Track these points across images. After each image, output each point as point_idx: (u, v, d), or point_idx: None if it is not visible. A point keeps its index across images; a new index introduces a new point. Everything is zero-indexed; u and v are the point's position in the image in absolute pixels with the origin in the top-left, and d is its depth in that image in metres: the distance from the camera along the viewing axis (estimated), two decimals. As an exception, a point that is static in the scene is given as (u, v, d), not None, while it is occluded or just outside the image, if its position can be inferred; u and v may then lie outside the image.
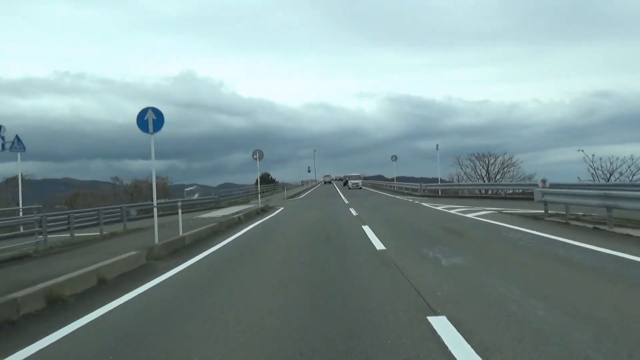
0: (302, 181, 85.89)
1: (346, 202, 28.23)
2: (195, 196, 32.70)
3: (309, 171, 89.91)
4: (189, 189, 36.83)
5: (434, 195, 30.27)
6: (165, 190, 38.99)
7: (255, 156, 26.13)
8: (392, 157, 48.32)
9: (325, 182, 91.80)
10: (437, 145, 31.58)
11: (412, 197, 30.87)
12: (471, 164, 39.95)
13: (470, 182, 35.13)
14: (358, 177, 59.87)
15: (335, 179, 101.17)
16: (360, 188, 52.37)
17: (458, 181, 37.29)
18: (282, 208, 25.17)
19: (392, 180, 51.62)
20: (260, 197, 40.77)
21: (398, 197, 31.96)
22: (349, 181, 58.30)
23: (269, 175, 78.88)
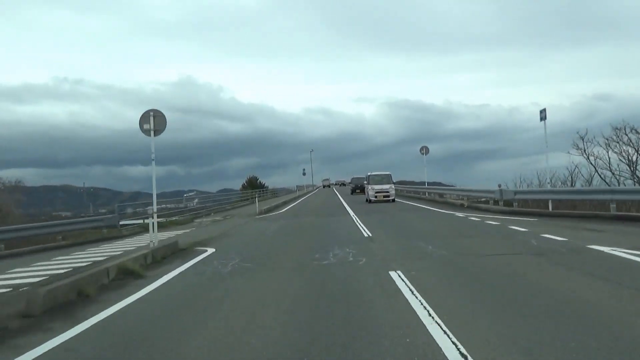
0: (297, 186, 70.47)
1: (366, 232, 12.58)
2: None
3: (304, 174, 70.37)
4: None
5: (535, 212, 14.84)
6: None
7: (146, 125, 10.76)
8: (422, 148, 33.03)
9: (324, 187, 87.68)
10: (542, 113, 15.15)
11: (482, 214, 15.81)
12: (609, 145, 21.30)
13: None
14: (387, 179, 29.51)
15: (337, 184, 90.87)
16: (393, 200, 27.83)
17: (570, 183, 19.99)
18: (204, 255, 9.79)
19: (420, 184, 36.61)
20: (218, 213, 26.37)
21: (460, 214, 16.40)
22: (369, 187, 28.80)
23: (257, 179, 65.85)
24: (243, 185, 62.76)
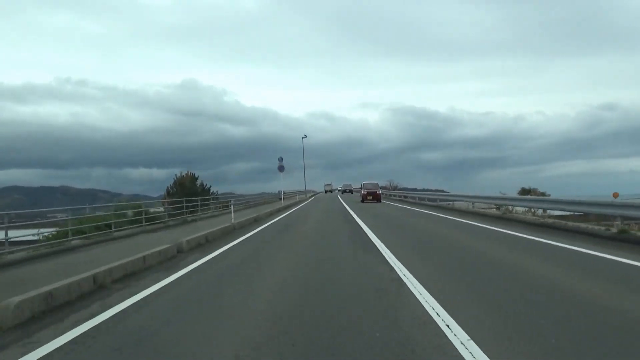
0: (280, 192, 43.45)
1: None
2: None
3: (281, 169, 33.30)
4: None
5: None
6: None
7: None
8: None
9: (326, 192, 79.89)
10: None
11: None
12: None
13: None
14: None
15: (348, 190, 68.82)
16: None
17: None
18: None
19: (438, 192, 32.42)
20: None
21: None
22: None
23: (195, 178, 36.63)
24: (168, 191, 35.42)
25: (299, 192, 55.58)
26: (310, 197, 52.82)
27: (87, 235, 12.25)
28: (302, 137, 61.17)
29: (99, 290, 6.20)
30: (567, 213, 17.26)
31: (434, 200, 29.36)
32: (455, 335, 3.92)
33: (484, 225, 14.05)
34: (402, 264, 7.34)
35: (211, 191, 37.22)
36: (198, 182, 37.12)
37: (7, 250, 9.13)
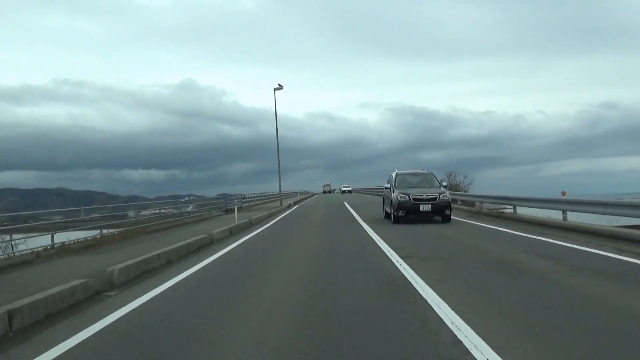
0: (231, 195, 29.84)
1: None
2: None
3: None
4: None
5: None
6: None
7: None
8: None
9: (324, 192, 76.73)
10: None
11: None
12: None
13: None
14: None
15: (428, 203, 36.18)
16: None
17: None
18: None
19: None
20: None
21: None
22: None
23: None
24: None
25: (268, 197, 35.42)
26: (286, 210, 26.26)
27: None
28: (275, 89, 33.05)
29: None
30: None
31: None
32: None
33: None
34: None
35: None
36: None
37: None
